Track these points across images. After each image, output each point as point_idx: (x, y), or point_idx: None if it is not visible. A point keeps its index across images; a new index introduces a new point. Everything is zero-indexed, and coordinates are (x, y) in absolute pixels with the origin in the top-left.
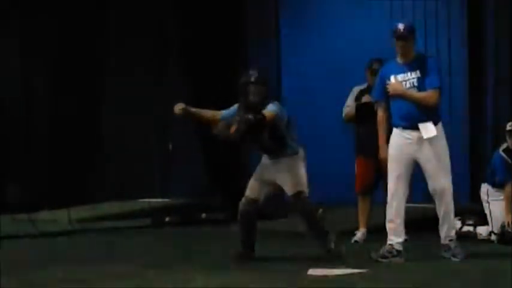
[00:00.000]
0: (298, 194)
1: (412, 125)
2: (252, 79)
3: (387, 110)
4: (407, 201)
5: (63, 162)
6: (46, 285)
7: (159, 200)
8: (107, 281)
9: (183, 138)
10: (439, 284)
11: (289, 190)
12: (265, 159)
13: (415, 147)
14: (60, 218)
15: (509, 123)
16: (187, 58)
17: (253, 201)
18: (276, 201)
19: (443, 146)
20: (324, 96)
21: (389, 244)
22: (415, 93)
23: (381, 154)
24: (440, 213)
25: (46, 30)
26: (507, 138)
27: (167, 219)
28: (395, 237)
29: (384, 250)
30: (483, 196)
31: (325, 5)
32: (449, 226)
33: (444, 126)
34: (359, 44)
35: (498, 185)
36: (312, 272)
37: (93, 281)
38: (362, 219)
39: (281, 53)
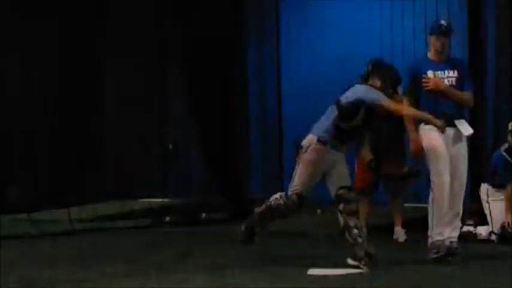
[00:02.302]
0: (347, 188)
1: (448, 122)
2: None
3: (414, 105)
4: (409, 201)
5: (63, 163)
6: (46, 285)
7: (159, 200)
8: (107, 281)
9: (183, 138)
10: (439, 284)
11: (340, 185)
12: (325, 151)
13: (449, 143)
14: (60, 218)
15: (511, 123)
16: (187, 58)
17: (303, 198)
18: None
19: (466, 146)
20: (324, 95)
21: (452, 242)
22: (458, 92)
23: (413, 147)
24: (450, 213)
25: (46, 31)
26: (508, 138)
27: (167, 219)
28: (455, 232)
29: (447, 246)
30: (483, 196)
31: (326, 5)
32: (454, 228)
33: None
34: (359, 43)
35: (498, 185)
36: (312, 272)
37: (93, 281)
38: (361, 219)
39: (281, 52)
